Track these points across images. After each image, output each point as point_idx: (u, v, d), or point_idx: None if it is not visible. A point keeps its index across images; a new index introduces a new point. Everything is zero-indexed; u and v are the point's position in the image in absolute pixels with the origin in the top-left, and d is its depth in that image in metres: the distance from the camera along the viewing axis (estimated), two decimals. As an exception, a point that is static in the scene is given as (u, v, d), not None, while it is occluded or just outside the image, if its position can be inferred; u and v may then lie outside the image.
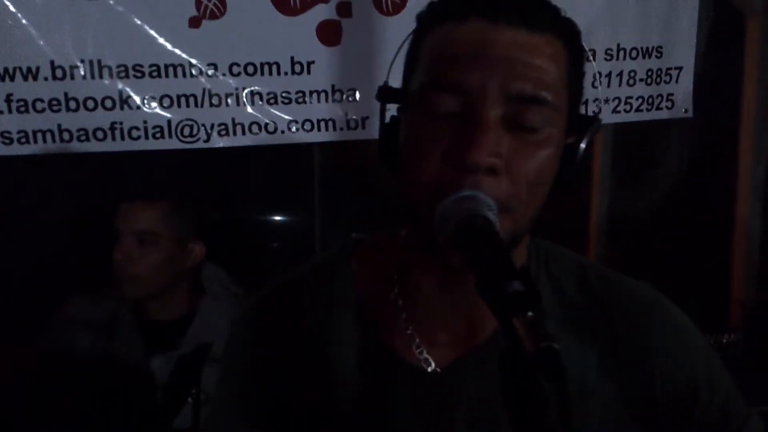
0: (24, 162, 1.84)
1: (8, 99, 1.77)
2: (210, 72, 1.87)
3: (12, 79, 1.77)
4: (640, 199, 3.22)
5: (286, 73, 1.91)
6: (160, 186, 1.99)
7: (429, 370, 0.96)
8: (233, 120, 1.90)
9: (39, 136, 1.81)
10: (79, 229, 2.08)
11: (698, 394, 0.99)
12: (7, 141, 1.80)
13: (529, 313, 0.66)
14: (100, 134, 1.85)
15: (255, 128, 1.92)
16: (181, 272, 1.96)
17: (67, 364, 1.87)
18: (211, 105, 1.89)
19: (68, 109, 1.81)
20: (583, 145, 0.90)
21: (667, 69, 2.18)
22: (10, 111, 1.78)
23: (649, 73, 2.17)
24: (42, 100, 1.80)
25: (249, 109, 1.91)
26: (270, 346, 1.00)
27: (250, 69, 1.89)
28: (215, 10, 1.84)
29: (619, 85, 2.15)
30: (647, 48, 2.14)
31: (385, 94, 0.93)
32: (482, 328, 0.96)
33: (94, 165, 1.94)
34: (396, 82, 0.94)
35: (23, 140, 1.81)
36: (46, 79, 1.79)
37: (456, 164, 0.81)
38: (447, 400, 0.95)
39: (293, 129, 1.94)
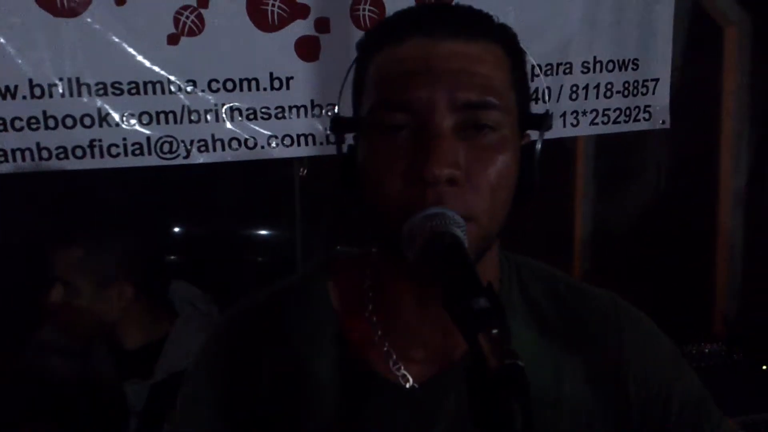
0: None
1: (-14, 118, 1.77)
2: (189, 88, 1.87)
3: (-10, 98, 1.77)
4: (624, 210, 3.24)
5: (265, 89, 1.91)
6: (79, 228, 1.94)
7: (407, 386, 0.96)
8: (213, 136, 1.90)
9: (18, 154, 1.80)
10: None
11: (671, 400, 1.01)
12: (-15, 160, 1.79)
13: (494, 330, 0.66)
14: (79, 152, 1.84)
15: (235, 144, 1.92)
16: (115, 315, 1.91)
17: (41, 389, 1.86)
18: (191, 121, 1.88)
19: (47, 127, 1.81)
20: (538, 145, 0.92)
21: (644, 81, 2.20)
22: (-13, 130, 1.78)
23: (626, 85, 2.19)
24: (20, 119, 1.79)
25: (228, 125, 1.91)
26: (245, 364, 1.00)
27: (229, 85, 1.89)
28: (193, 27, 1.85)
29: (597, 97, 2.17)
30: (623, 60, 2.17)
31: (338, 123, 0.94)
32: (459, 344, 0.96)
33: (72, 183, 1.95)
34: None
35: (1, 159, 1.79)
36: (24, 97, 1.78)
37: (417, 179, 0.82)
38: (425, 416, 0.96)
39: (273, 144, 1.94)
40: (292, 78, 1.93)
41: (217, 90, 1.89)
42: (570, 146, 3.37)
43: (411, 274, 0.88)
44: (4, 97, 1.77)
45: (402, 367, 0.97)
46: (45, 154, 1.82)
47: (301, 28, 1.92)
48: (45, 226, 2.15)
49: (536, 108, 0.98)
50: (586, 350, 1.00)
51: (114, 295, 1.90)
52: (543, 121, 0.93)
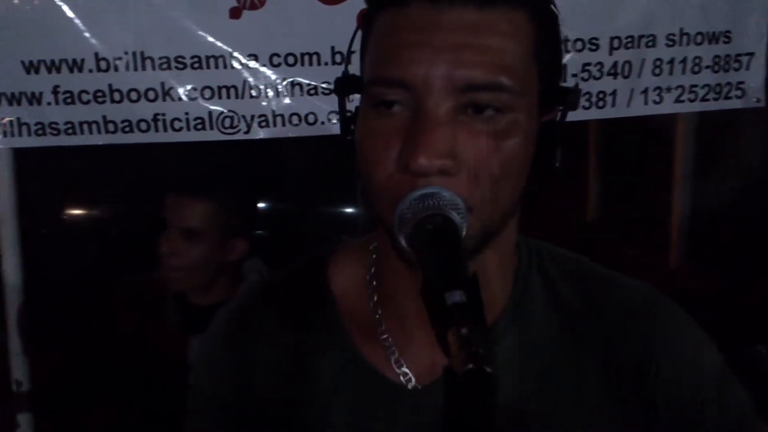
0: (74, 150, 1.88)
1: (55, 90, 1.81)
2: (251, 63, 1.86)
3: (58, 71, 1.80)
4: (725, 194, 3.05)
5: (326, 63, 1.87)
6: (209, 181, 2.04)
7: (409, 387, 0.90)
8: (273, 111, 1.88)
9: (85, 127, 1.85)
10: (128, 215, 2.13)
11: (705, 415, 0.90)
12: (55, 132, 1.84)
13: (463, 330, 0.59)
14: (143, 125, 1.86)
15: (295, 119, 1.89)
16: (222, 266, 2.02)
17: (112, 343, 1.94)
18: (251, 96, 1.87)
19: (113, 100, 1.84)
20: (560, 120, 0.83)
21: (737, 56, 2.02)
22: (57, 102, 1.82)
23: (716, 60, 2.01)
24: (87, 92, 1.82)
25: (288, 100, 1.88)
26: (241, 357, 0.96)
27: (290, 59, 1.86)
28: (255, 1, 1.83)
29: (683, 72, 2.00)
30: (713, 33, 1.98)
31: (341, 85, 0.88)
32: None
33: (139, 156, 1.99)
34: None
35: (70, 131, 1.84)
36: (90, 71, 1.81)
37: (407, 168, 0.75)
38: (428, 420, 0.88)
39: (333, 120, 1.90)
40: (354, 52, 1.87)
41: (279, 65, 1.86)
42: (667, 125, 3.19)
43: (406, 263, 0.81)
44: (71, 71, 1.81)
45: (404, 365, 0.90)
46: (111, 127, 1.86)
47: (363, 0, 1.86)
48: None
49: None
50: (611, 345, 0.91)
51: (231, 248, 2.02)
52: (567, 98, 0.84)
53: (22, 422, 1.95)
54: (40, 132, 1.84)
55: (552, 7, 0.83)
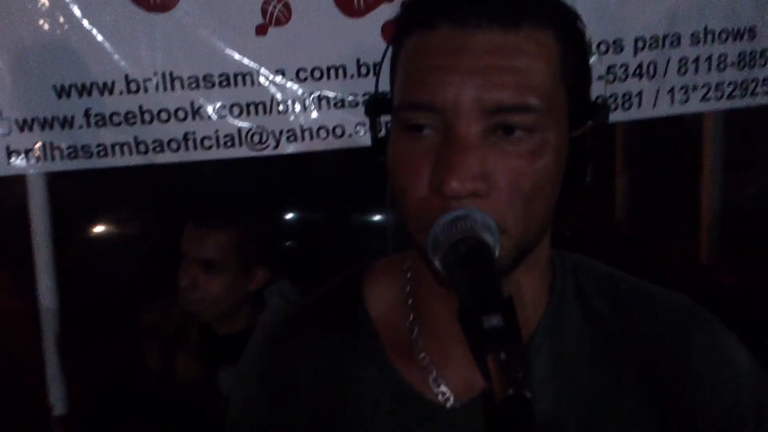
0: (102, 174, 1.91)
1: (87, 114, 1.83)
2: (278, 79, 1.87)
3: (89, 94, 1.82)
4: (755, 191, 3.03)
5: (352, 76, 1.88)
6: (226, 212, 2.03)
7: (447, 406, 0.90)
8: (301, 126, 1.90)
9: (117, 148, 1.86)
10: (152, 241, 2.15)
11: (744, 425, 0.90)
12: (87, 155, 1.85)
13: (502, 354, 0.60)
14: (174, 145, 1.88)
15: (323, 133, 1.91)
16: (244, 296, 2.00)
17: (136, 371, 1.95)
18: (279, 112, 1.89)
19: (143, 121, 1.85)
20: (589, 138, 0.84)
21: (762, 51, 2.01)
22: (89, 125, 1.83)
23: (742, 57, 2.01)
24: (118, 114, 1.84)
25: (316, 114, 1.90)
26: (281, 379, 0.96)
27: (317, 73, 1.88)
28: (281, 16, 1.85)
29: (708, 70, 2.00)
30: (738, 29, 1.98)
31: (371, 106, 0.89)
32: None
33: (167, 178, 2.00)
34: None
35: (102, 153, 1.86)
36: (121, 93, 1.83)
37: (439, 191, 0.76)
38: None
39: (361, 132, 1.91)
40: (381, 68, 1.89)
41: (305, 79, 1.88)
42: (694, 122, 3.18)
43: (441, 284, 0.82)
44: (102, 93, 1.83)
45: (442, 384, 0.91)
46: (142, 147, 1.87)
47: (387, 12, 1.87)
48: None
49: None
50: (649, 364, 0.91)
51: (252, 278, 2.00)
52: (597, 113, 0.85)
53: (57, 447, 1.97)
54: (72, 155, 1.85)
55: (578, 24, 0.84)
